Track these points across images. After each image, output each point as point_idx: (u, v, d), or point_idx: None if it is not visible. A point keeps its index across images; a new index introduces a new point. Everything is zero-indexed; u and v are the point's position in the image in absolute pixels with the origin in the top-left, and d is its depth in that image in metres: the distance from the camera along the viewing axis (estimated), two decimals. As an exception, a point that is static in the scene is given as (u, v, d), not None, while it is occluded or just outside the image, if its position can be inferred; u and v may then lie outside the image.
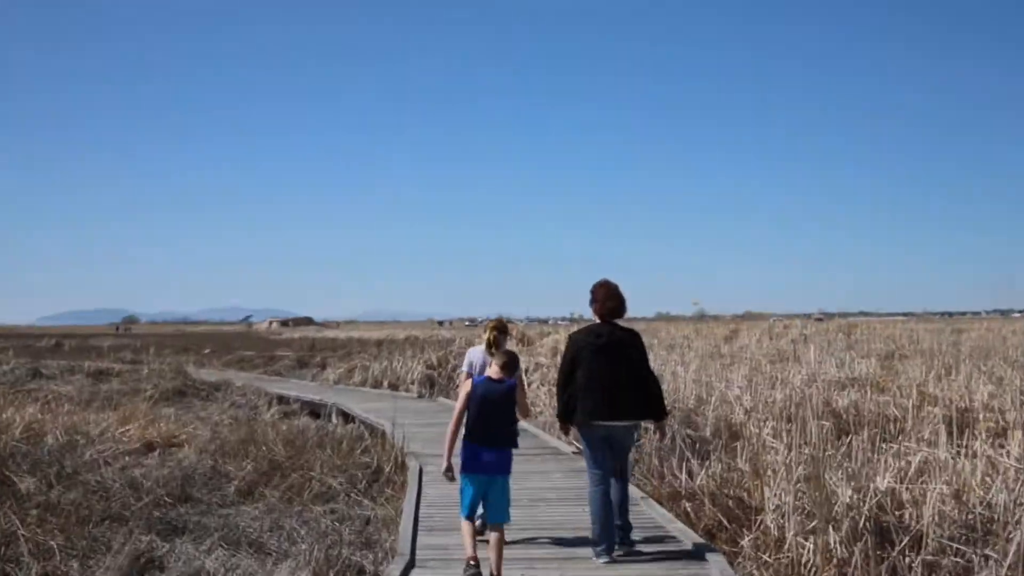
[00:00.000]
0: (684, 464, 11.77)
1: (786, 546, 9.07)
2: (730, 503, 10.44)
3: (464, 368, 8.95)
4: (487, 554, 7.37)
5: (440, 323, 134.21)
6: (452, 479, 7.72)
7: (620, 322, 8.87)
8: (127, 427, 17.59)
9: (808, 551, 8.76)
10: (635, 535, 8.93)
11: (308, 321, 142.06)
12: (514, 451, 7.80)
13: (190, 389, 27.02)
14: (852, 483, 9.24)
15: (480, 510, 7.70)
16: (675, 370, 18.33)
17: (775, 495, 9.75)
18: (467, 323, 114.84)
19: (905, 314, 64.63)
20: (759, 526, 9.69)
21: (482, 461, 7.41)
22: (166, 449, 16.44)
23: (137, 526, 10.78)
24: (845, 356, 20.31)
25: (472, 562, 7.31)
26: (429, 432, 16.16)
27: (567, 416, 8.56)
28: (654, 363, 22.31)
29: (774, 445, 11.52)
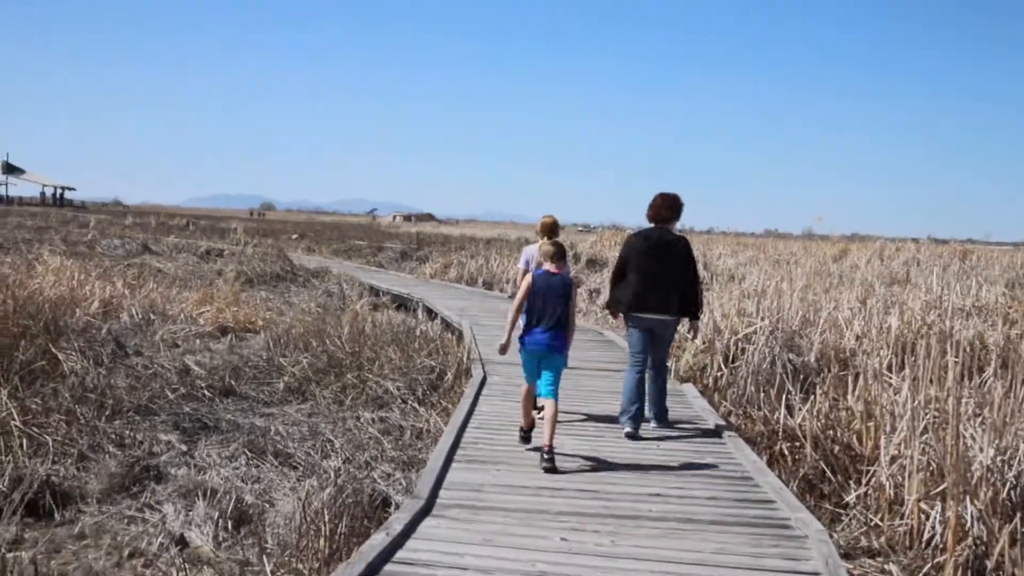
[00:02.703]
0: (784, 397, 9.55)
1: (905, 511, 6.92)
2: (836, 449, 8.28)
3: (520, 265, 9.16)
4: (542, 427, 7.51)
5: (585, 228, 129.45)
6: (503, 352, 7.82)
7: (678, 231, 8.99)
8: (204, 309, 16.11)
9: (934, 521, 6.59)
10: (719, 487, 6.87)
11: (429, 217, 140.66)
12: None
13: (288, 274, 25.53)
14: (995, 439, 7.00)
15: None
16: (780, 286, 15.92)
17: (893, 444, 7.57)
18: (579, 228, 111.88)
19: (1015, 244, 60.05)
20: (870, 480, 7.55)
21: (539, 338, 7.51)
22: (239, 335, 14.89)
23: (163, 421, 9.17)
24: (970, 282, 17.53)
25: (523, 430, 7.84)
26: (509, 336, 14.15)
27: (615, 305, 8.86)
28: (758, 277, 20.34)
29: (891, 381, 9.25)
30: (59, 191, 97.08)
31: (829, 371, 11.22)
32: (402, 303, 20.45)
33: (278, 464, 8.17)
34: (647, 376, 8.63)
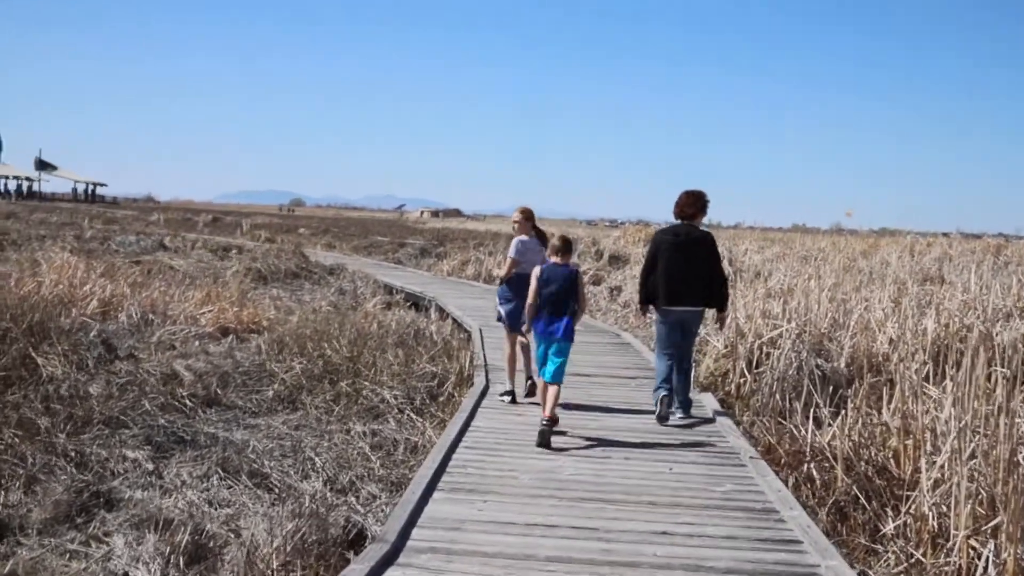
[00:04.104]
0: (812, 410, 8.58)
1: (953, 546, 5.98)
2: (869, 471, 7.32)
3: (512, 254, 9.43)
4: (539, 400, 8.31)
5: (612, 223, 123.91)
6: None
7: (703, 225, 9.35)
8: (207, 309, 15.29)
9: (987, 562, 5.65)
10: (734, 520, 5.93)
11: (457, 213, 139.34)
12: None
13: (303, 271, 24.71)
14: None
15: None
16: (807, 285, 14.89)
17: (936, 468, 6.62)
18: (607, 224, 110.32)
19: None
20: (910, 507, 6.60)
21: (549, 328, 8.01)
22: (241, 336, 14.05)
23: (134, 436, 8.32)
24: (1010, 280, 16.33)
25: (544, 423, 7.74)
26: (520, 338, 13.25)
27: (647, 300, 9.02)
28: (785, 274, 19.35)
29: (931, 393, 8.29)
30: (91, 187, 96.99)
31: (861, 380, 10.27)
32: (415, 302, 19.59)
33: (252, 485, 7.32)
34: (673, 368, 8.87)
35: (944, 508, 6.34)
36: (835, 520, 6.88)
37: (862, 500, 6.93)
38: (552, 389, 7.91)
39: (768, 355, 11.12)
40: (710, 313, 9.34)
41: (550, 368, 8.02)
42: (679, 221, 9.05)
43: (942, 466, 6.61)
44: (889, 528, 6.53)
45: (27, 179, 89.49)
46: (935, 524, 6.31)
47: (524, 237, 9.56)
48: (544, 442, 7.55)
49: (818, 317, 12.09)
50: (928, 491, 6.48)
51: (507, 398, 9.47)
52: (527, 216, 9.65)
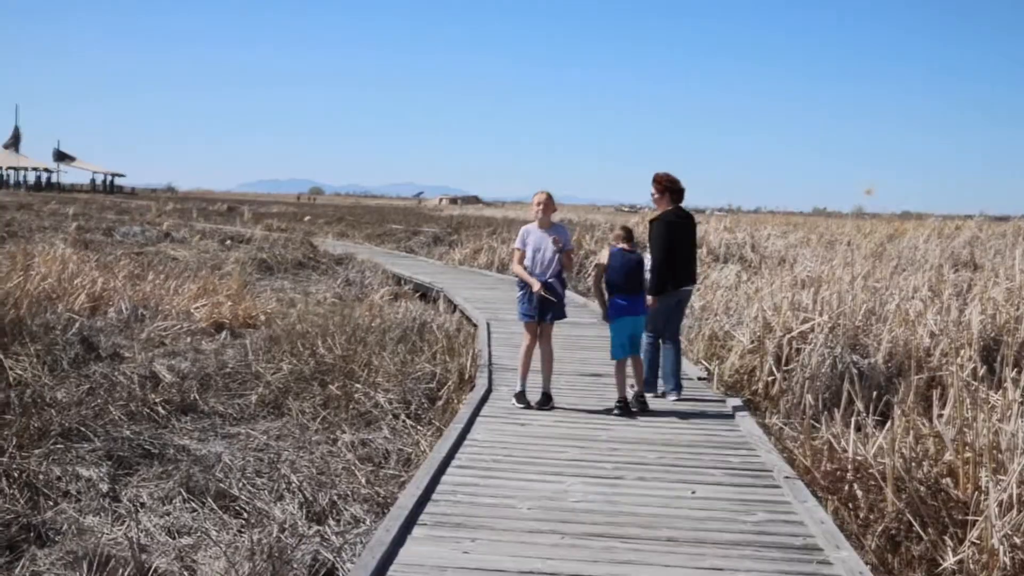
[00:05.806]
0: (853, 417, 7.52)
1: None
2: (922, 490, 6.30)
3: (517, 244, 8.77)
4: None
5: (631, 208, 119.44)
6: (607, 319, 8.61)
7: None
8: (202, 303, 14.40)
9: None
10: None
11: (476, 200, 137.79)
12: None
13: (311, 261, 23.79)
14: None
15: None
16: (838, 274, 13.82)
17: (1003, 490, 5.63)
18: (627, 209, 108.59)
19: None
20: (973, 536, 5.60)
21: (628, 307, 8.37)
22: (236, 331, 13.14)
23: (93, 450, 7.38)
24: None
25: (620, 403, 8.31)
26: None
27: (664, 286, 8.82)
28: (812, 261, 18.33)
29: (988, 397, 7.27)
30: (109, 177, 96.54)
31: (901, 377, 9.28)
32: (424, 293, 18.62)
33: (219, 508, 6.40)
34: (665, 347, 9.03)
35: (1016, 539, 5.36)
36: (884, 550, 5.90)
37: (916, 528, 5.93)
38: (637, 361, 8.53)
39: (799, 351, 10.13)
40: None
41: (633, 344, 8.45)
42: (672, 206, 9.08)
43: (1007, 488, 5.63)
44: (950, 562, 5.54)
45: (46, 170, 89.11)
46: (1006, 560, 5.32)
47: (531, 226, 8.75)
48: (627, 412, 8.26)
49: (852, 308, 11.05)
50: (995, 517, 5.48)
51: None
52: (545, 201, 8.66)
